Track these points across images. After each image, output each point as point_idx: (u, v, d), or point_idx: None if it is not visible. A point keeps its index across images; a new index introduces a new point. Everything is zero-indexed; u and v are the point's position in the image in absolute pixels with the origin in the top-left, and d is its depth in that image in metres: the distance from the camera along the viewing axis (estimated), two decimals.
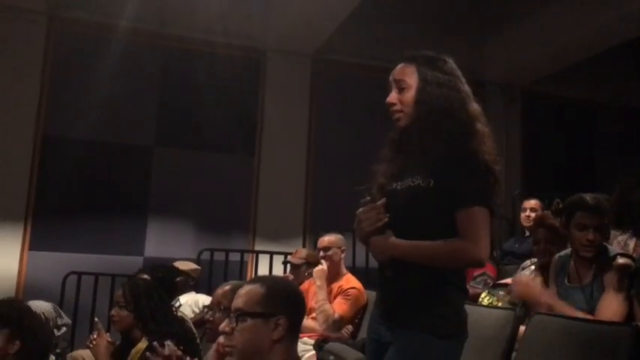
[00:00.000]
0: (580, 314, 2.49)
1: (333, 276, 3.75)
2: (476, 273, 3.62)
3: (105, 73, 5.79)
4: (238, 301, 1.77)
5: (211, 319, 2.44)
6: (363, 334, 3.49)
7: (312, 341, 3.27)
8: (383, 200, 1.81)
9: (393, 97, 1.87)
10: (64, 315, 3.86)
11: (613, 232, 3.23)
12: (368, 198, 1.83)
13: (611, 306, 2.45)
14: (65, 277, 5.11)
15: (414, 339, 1.72)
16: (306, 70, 6.66)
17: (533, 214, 4.76)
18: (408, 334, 1.73)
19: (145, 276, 3.39)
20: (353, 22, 5.95)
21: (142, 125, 6.18)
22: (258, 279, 1.89)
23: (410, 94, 1.84)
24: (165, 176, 6.15)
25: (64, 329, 3.78)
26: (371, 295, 3.65)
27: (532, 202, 4.93)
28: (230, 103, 6.37)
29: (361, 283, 3.78)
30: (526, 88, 7.50)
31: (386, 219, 1.79)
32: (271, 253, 5.82)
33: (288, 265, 4.62)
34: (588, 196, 2.68)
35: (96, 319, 3.00)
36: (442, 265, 1.77)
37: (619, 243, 3.42)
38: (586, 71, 7.10)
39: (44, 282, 5.26)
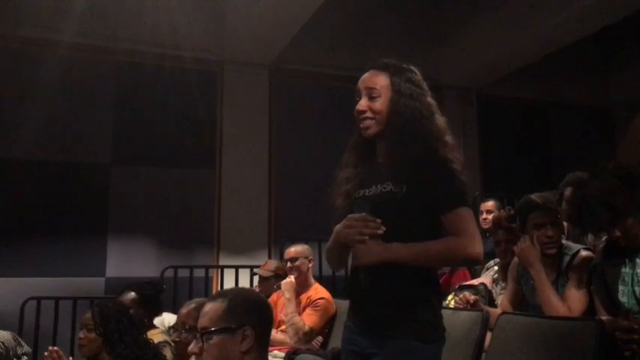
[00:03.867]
0: (553, 293, 2.53)
1: (301, 286, 3.72)
2: (462, 284, 3.57)
3: (55, 90, 5.64)
4: (202, 320, 1.77)
5: (177, 339, 2.39)
6: (333, 343, 3.47)
7: (283, 354, 3.23)
8: (379, 223, 1.73)
9: (363, 104, 1.86)
10: (24, 343, 3.72)
11: None
12: (364, 214, 1.76)
13: (582, 300, 2.51)
14: (24, 303, 4.92)
15: (402, 346, 1.71)
16: (263, 80, 6.63)
17: (490, 216, 4.85)
18: (395, 342, 1.71)
19: (132, 293, 3.28)
20: (309, 32, 5.96)
21: (98, 143, 6.03)
22: (219, 294, 1.87)
23: (382, 103, 1.84)
24: (123, 194, 6.02)
25: (24, 358, 3.65)
26: (339, 304, 3.65)
27: (488, 204, 4.99)
28: (188, 116, 6.29)
29: (329, 292, 3.77)
30: (481, 90, 7.64)
31: (380, 231, 1.72)
32: (237, 267, 5.75)
33: (255, 278, 4.57)
34: (535, 196, 2.77)
35: (57, 347, 2.87)
36: (439, 264, 1.78)
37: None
38: (539, 72, 7.28)
39: (1, 310, 5.07)
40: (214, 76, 6.51)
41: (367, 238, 1.72)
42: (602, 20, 5.86)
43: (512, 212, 3.15)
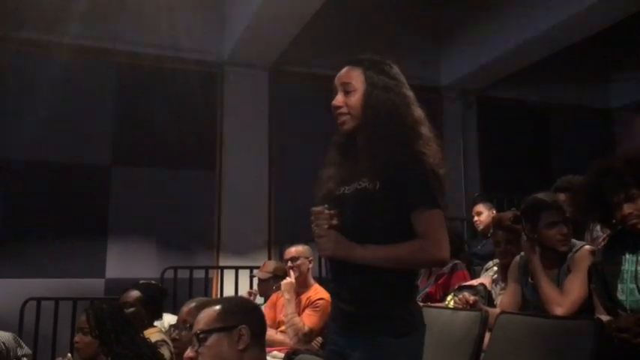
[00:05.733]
0: (550, 286, 2.56)
1: (301, 286, 3.72)
2: (461, 284, 3.55)
3: (56, 92, 5.66)
4: (197, 325, 1.80)
5: (177, 337, 2.40)
6: None
7: (282, 355, 3.23)
8: (335, 211, 1.78)
9: (339, 100, 1.87)
10: (24, 344, 3.74)
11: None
12: (326, 206, 1.80)
13: (578, 288, 2.52)
14: (24, 304, 4.92)
15: (373, 344, 1.71)
16: (263, 82, 6.64)
17: (480, 218, 4.89)
18: (369, 341, 1.71)
19: (136, 292, 3.29)
20: (309, 33, 5.97)
21: (98, 144, 6.05)
22: (211, 302, 1.94)
23: (356, 98, 1.84)
24: (123, 195, 6.02)
25: None
26: None
27: (477, 207, 5.04)
28: (189, 118, 6.30)
29: (329, 293, 3.77)
30: (481, 92, 7.64)
31: (334, 223, 1.77)
32: (237, 268, 5.75)
33: (255, 280, 4.57)
34: (543, 196, 2.76)
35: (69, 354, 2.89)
36: (405, 266, 1.76)
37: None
38: (539, 73, 7.28)
39: (1, 310, 5.07)
40: (214, 77, 6.52)
41: (330, 231, 1.75)
42: (602, 21, 5.86)
43: (517, 214, 3.13)
